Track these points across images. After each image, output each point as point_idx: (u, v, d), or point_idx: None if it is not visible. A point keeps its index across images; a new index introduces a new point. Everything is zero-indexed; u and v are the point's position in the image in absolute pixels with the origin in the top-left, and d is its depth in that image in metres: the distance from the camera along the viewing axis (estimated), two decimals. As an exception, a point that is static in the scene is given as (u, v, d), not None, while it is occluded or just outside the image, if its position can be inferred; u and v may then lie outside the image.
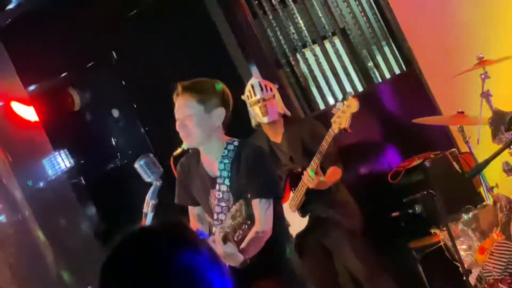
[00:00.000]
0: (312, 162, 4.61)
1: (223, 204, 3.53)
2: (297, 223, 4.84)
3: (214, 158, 3.57)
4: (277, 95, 4.96)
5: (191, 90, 3.49)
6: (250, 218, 3.28)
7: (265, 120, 4.90)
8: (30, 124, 5.60)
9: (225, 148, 3.54)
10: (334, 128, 4.42)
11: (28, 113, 5.62)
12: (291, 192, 4.84)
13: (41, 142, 5.68)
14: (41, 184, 5.94)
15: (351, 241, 4.87)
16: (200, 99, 3.48)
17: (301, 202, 4.78)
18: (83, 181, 6.46)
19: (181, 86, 3.51)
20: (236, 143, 3.56)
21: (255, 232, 3.39)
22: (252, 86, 4.89)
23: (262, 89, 4.85)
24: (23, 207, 5.50)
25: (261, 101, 4.84)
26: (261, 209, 3.42)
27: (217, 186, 3.55)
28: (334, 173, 4.76)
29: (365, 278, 4.93)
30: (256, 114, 4.91)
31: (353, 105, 4.33)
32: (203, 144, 3.57)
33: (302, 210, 4.81)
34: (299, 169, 4.75)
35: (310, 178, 4.58)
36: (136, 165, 3.45)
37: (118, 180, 6.25)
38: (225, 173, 3.52)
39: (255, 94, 4.87)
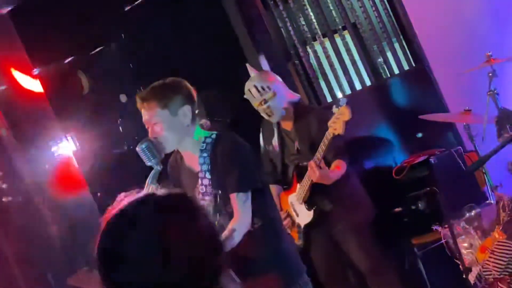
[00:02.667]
0: (315, 156, 4.60)
1: (207, 198, 3.52)
2: (305, 214, 4.85)
3: (194, 153, 3.58)
4: (279, 87, 4.87)
5: (151, 98, 3.49)
6: (219, 211, 3.31)
7: (273, 120, 4.88)
8: (37, 101, 5.63)
9: (203, 142, 3.54)
10: (330, 133, 4.42)
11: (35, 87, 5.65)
12: (298, 184, 4.85)
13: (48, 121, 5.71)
14: (47, 166, 5.98)
15: (356, 234, 4.87)
16: (162, 105, 3.48)
17: (307, 195, 4.78)
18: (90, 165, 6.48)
19: (139, 98, 3.52)
20: (214, 136, 3.56)
21: (232, 225, 3.39)
22: (250, 91, 4.83)
23: (259, 91, 4.79)
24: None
25: (263, 103, 4.80)
26: (239, 203, 3.42)
27: (200, 181, 3.54)
28: (339, 168, 4.75)
29: (369, 271, 4.93)
30: (262, 115, 4.89)
31: (345, 113, 4.32)
32: (179, 145, 3.60)
33: (309, 203, 4.82)
34: (305, 163, 4.74)
35: (313, 171, 4.58)
36: (138, 148, 3.48)
37: (123, 165, 6.25)
38: (205, 167, 3.52)
39: (254, 98, 4.83)
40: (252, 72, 4.93)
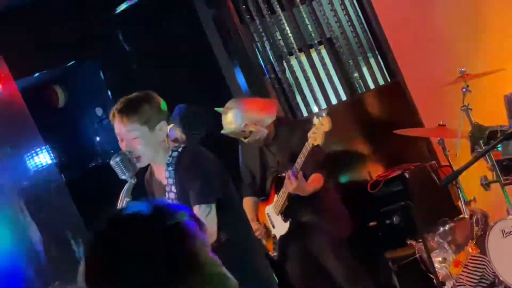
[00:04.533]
0: (294, 165, 4.61)
1: None
2: (281, 226, 4.85)
3: (162, 166, 3.57)
4: (253, 122, 4.78)
5: (130, 113, 3.45)
6: None
7: (260, 144, 4.87)
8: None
9: (170, 156, 3.53)
10: (310, 143, 4.44)
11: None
12: (276, 195, 4.85)
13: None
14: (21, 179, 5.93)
15: (334, 247, 4.87)
16: (141, 120, 3.45)
17: (283, 206, 4.79)
18: (63, 178, 6.45)
19: (118, 111, 3.47)
20: (180, 149, 3.54)
21: None
22: (242, 133, 4.77)
23: (236, 133, 4.78)
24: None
25: (242, 139, 4.80)
26: (202, 215, 3.38)
27: (167, 194, 3.54)
28: (316, 180, 4.76)
29: (345, 282, 4.93)
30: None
31: (326, 123, 4.34)
32: (153, 160, 3.59)
33: (285, 214, 4.82)
34: (284, 174, 4.75)
35: (289, 182, 4.59)
36: (112, 162, 3.47)
37: (98, 178, 6.24)
38: (171, 180, 3.51)
39: (239, 134, 4.80)
40: (230, 106, 4.82)
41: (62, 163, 6.45)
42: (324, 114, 4.36)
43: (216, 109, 4.83)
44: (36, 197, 5.70)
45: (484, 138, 4.55)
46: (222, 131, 4.85)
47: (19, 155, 5.72)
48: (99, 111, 6.45)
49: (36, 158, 5.98)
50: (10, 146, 5.61)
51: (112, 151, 6.40)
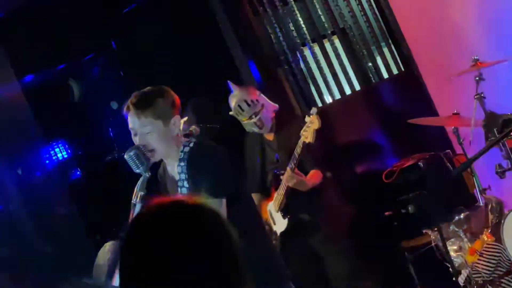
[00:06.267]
0: (291, 161, 4.64)
1: None
2: (281, 222, 4.87)
3: (174, 161, 3.58)
4: (265, 99, 4.89)
5: (144, 106, 3.46)
6: None
7: (264, 131, 4.89)
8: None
9: (181, 151, 3.54)
10: (301, 141, 4.47)
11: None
12: (276, 192, 4.87)
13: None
14: (37, 173, 5.99)
15: (332, 245, 4.90)
16: (156, 115, 3.46)
17: (282, 203, 4.80)
18: (79, 172, 6.51)
19: (132, 103, 3.48)
20: (191, 145, 3.55)
21: None
22: (239, 106, 4.81)
23: (249, 105, 4.80)
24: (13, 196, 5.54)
25: (253, 116, 4.82)
26: None
27: (179, 189, 3.55)
28: (315, 176, 4.79)
29: (348, 278, 4.94)
30: (252, 128, 4.89)
31: (316, 122, 4.37)
32: (166, 155, 3.60)
33: (284, 211, 4.84)
34: (283, 171, 4.77)
35: (288, 177, 4.61)
36: (126, 156, 3.48)
37: (114, 172, 6.28)
38: (183, 176, 3.53)
39: (243, 112, 4.81)
40: (235, 88, 4.92)
41: (78, 157, 6.51)
42: (314, 113, 4.39)
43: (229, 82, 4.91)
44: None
45: (498, 126, 4.53)
46: (230, 113, 4.88)
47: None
48: (114, 105, 6.48)
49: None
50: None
51: (127, 145, 6.45)
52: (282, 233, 4.88)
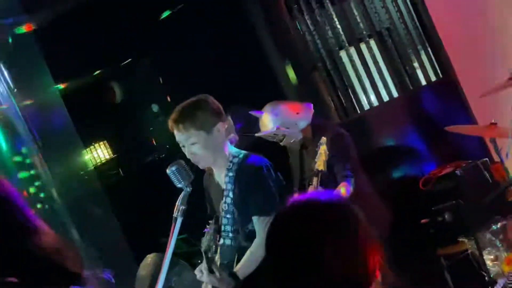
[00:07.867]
0: (313, 178, 4.62)
1: (228, 216, 3.62)
2: None
3: (222, 170, 3.68)
4: (288, 115, 4.75)
5: (185, 121, 3.57)
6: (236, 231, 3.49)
7: (298, 137, 4.87)
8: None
9: (230, 161, 3.64)
10: (314, 167, 4.45)
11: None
12: None
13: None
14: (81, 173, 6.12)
15: None
16: (197, 126, 3.57)
17: None
18: (121, 173, 6.64)
19: (173, 121, 3.59)
20: (241, 156, 3.65)
21: (250, 251, 3.52)
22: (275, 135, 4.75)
23: (271, 138, 4.75)
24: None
25: (280, 143, 4.79)
26: (260, 225, 3.51)
27: (224, 198, 3.65)
28: (342, 190, 4.77)
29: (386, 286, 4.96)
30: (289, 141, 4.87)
31: (323, 153, 4.35)
32: (213, 163, 3.69)
33: None
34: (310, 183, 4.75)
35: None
36: (168, 171, 3.56)
37: (154, 173, 6.38)
38: (230, 186, 3.62)
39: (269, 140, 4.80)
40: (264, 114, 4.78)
41: (119, 158, 6.64)
42: (323, 143, 4.37)
43: (251, 112, 4.87)
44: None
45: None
46: (256, 134, 4.84)
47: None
48: (155, 108, 6.59)
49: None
50: None
51: (167, 146, 6.57)
52: None
